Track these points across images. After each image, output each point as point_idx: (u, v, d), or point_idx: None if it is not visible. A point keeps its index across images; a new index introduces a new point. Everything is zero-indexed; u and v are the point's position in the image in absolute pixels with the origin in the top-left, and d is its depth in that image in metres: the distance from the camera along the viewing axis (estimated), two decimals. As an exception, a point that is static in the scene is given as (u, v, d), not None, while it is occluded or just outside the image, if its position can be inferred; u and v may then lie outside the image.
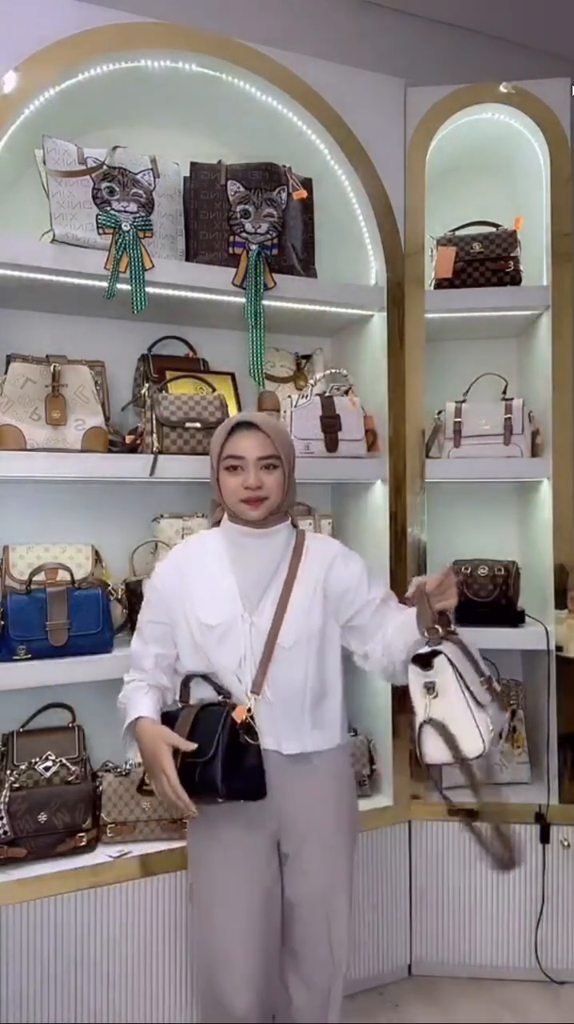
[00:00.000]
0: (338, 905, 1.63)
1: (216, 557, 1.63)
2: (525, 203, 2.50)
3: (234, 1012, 1.54)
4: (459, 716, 1.36)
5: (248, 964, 1.55)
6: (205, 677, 1.57)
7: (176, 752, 1.48)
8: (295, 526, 1.70)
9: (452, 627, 1.44)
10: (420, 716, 1.39)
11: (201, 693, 1.59)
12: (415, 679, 1.40)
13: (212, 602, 1.59)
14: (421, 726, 1.37)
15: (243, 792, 1.48)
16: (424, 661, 1.40)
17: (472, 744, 1.34)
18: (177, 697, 1.63)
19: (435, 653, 1.38)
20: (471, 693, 1.36)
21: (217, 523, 1.70)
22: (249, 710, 1.49)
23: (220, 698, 1.54)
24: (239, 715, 1.48)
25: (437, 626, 1.40)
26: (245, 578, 1.60)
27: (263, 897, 1.58)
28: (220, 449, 1.60)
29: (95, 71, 2.04)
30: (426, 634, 1.43)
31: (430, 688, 1.37)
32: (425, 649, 1.42)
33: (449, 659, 1.36)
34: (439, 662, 1.37)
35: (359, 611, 1.63)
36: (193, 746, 1.47)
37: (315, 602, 1.60)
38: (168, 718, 1.58)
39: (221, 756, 1.45)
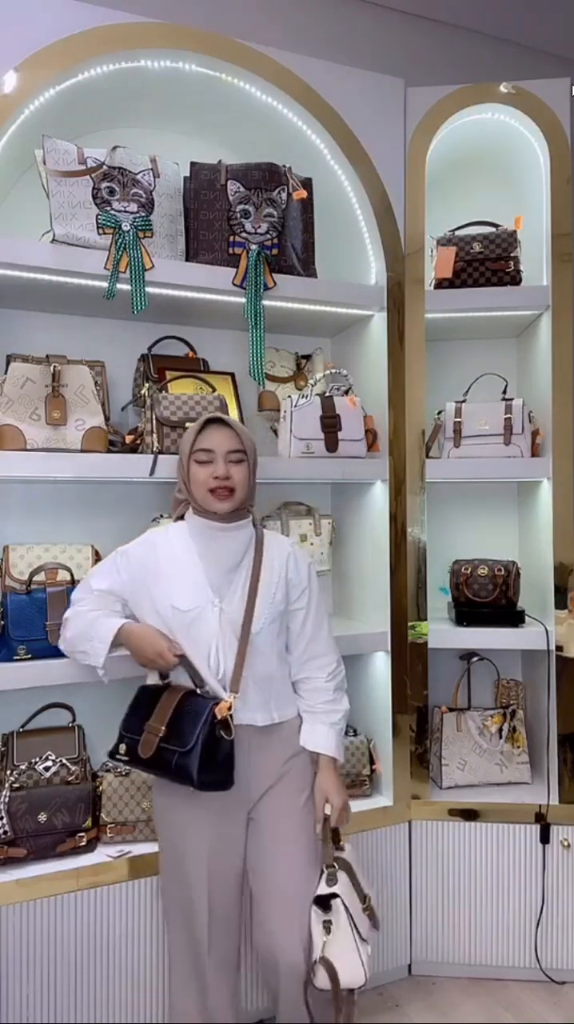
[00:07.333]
0: (301, 863, 1.70)
1: (185, 547, 1.73)
2: (525, 203, 2.50)
3: (203, 954, 1.65)
4: (348, 953, 1.59)
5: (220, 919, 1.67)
6: (182, 658, 1.65)
7: (152, 733, 1.62)
8: (255, 525, 1.81)
9: (342, 843, 1.74)
10: (316, 952, 1.59)
11: (177, 673, 1.69)
12: (315, 918, 1.62)
13: (183, 587, 1.68)
14: (315, 962, 1.59)
15: (214, 784, 1.58)
16: (324, 904, 1.62)
17: (355, 976, 1.59)
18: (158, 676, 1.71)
19: (334, 895, 1.62)
20: (358, 930, 1.61)
21: (179, 518, 1.80)
22: (230, 707, 1.59)
23: (200, 689, 1.63)
24: (221, 712, 1.57)
25: (334, 863, 1.67)
26: (213, 568, 1.70)
27: (233, 857, 1.68)
28: (192, 443, 1.73)
29: (95, 71, 2.03)
30: (325, 869, 1.67)
31: (327, 927, 1.60)
32: (325, 890, 1.64)
33: (344, 904, 1.61)
34: (336, 904, 1.61)
35: (293, 613, 1.78)
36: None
37: (279, 588, 1.74)
38: (149, 692, 1.69)
39: (199, 751, 1.55)
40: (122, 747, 1.67)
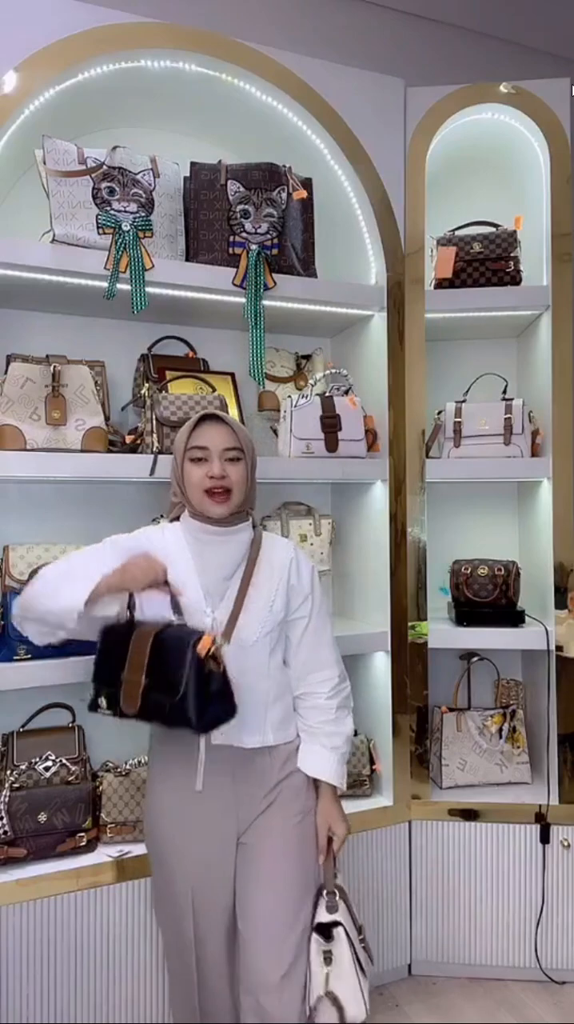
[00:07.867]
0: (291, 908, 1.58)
1: (179, 550, 1.62)
2: (525, 203, 2.50)
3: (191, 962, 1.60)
4: (349, 986, 1.50)
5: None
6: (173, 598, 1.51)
7: (132, 685, 1.45)
8: (254, 526, 1.71)
9: (336, 871, 1.63)
10: (318, 988, 1.50)
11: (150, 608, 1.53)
12: (316, 947, 1.52)
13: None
14: (319, 998, 1.48)
15: (216, 721, 1.45)
16: (326, 932, 1.52)
17: (357, 1010, 1.50)
18: (124, 608, 1.52)
19: (336, 924, 1.53)
20: (359, 963, 1.52)
21: (175, 519, 1.70)
22: (214, 639, 1.42)
23: (175, 620, 1.47)
24: (204, 648, 1.40)
25: (335, 890, 1.58)
26: (208, 575, 1.60)
27: (222, 893, 1.59)
28: (186, 441, 1.62)
29: (95, 71, 2.04)
30: (326, 896, 1.58)
31: (328, 958, 1.50)
32: (326, 918, 1.54)
33: (346, 933, 1.52)
34: (338, 933, 1.52)
35: (293, 622, 1.67)
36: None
37: (279, 595, 1.63)
38: (114, 632, 1.50)
39: (193, 696, 1.39)
40: (102, 700, 1.50)
